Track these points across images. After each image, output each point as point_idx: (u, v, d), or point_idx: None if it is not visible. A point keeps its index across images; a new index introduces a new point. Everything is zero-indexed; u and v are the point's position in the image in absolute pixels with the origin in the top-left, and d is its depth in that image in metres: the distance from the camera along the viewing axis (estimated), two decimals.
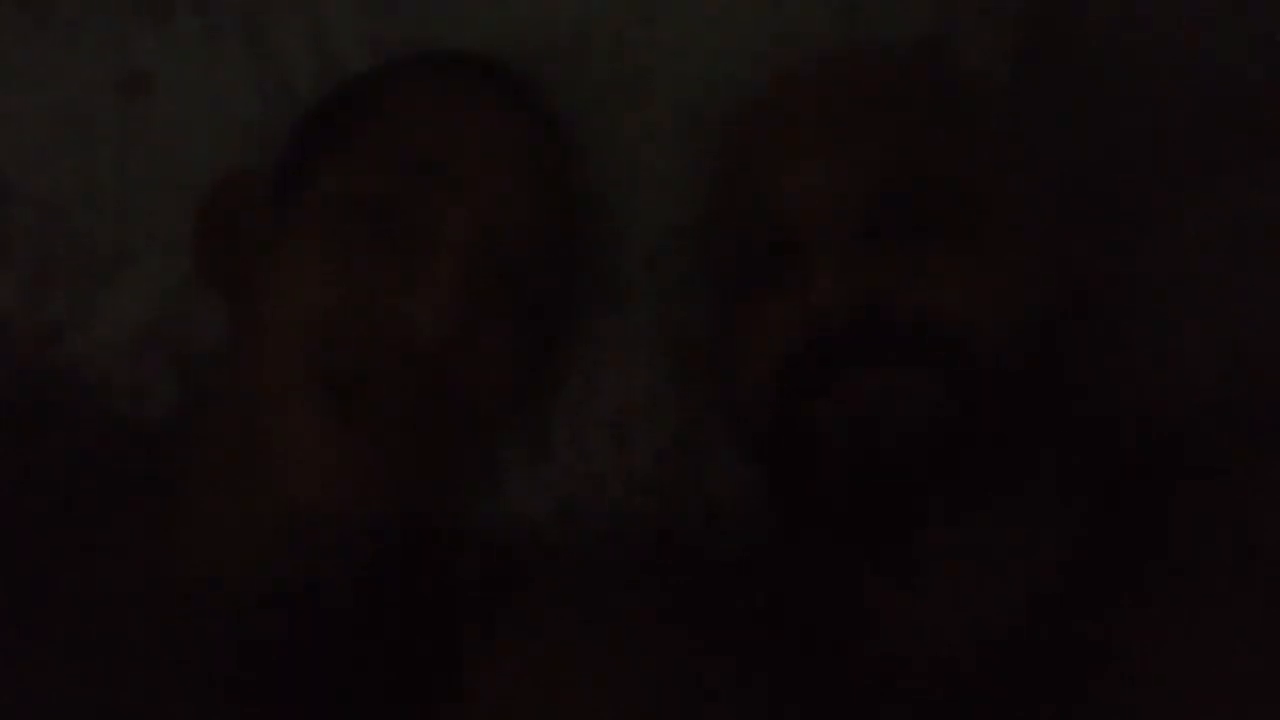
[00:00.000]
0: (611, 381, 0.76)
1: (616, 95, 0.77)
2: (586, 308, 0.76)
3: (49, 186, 0.78)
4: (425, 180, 0.65)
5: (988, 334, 0.57)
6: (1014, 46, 0.74)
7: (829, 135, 0.61)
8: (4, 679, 0.62)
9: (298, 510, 0.63)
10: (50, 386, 0.76)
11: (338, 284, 0.64)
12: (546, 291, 0.69)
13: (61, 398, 0.76)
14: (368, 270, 0.64)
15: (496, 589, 0.70)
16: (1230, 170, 0.72)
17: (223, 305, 0.72)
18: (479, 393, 0.66)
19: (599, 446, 0.76)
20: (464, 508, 0.76)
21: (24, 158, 0.78)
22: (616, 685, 0.62)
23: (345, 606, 0.67)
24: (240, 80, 0.80)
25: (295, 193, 0.68)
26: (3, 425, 0.73)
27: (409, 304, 0.63)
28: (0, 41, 0.79)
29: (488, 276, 0.65)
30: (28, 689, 0.61)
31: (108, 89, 0.79)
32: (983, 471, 0.57)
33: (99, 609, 0.65)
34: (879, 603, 0.61)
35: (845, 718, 0.60)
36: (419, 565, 0.71)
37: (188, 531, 0.66)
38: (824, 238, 0.59)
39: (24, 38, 0.79)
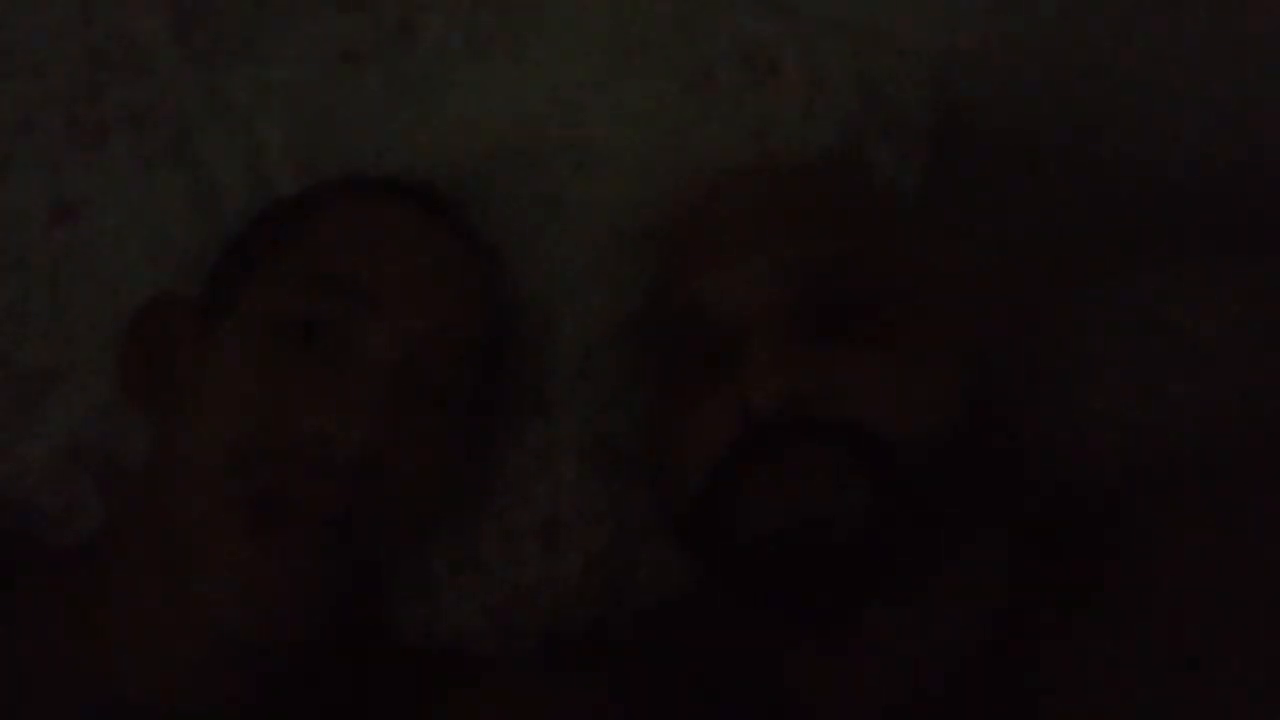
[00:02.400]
0: (540, 490, 0.76)
1: (537, 210, 0.79)
2: (515, 417, 0.77)
3: None
4: (347, 301, 0.66)
5: (911, 433, 0.60)
6: (920, 157, 0.77)
7: (755, 241, 0.65)
8: None
9: (220, 630, 0.64)
10: None
11: (258, 403, 0.65)
12: (472, 404, 0.71)
13: None
14: (289, 389, 0.65)
15: (428, 699, 0.69)
16: (1139, 266, 0.75)
17: (150, 426, 0.72)
18: (405, 503, 0.67)
19: (529, 556, 0.76)
20: (394, 619, 0.76)
21: None
22: None
23: (282, 713, 0.67)
24: (172, 203, 0.81)
25: (221, 312, 0.69)
26: None
27: (328, 423, 0.64)
28: None
29: (409, 393, 0.66)
30: None
31: (40, 214, 0.80)
32: (906, 556, 0.59)
33: None
34: (799, 682, 0.62)
35: None
36: (348, 679, 0.71)
37: (114, 649, 0.66)
38: (753, 338, 0.61)
39: None
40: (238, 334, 0.67)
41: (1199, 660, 0.57)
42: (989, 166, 0.79)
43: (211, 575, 0.63)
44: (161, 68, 0.83)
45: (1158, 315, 0.74)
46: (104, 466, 0.77)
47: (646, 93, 0.81)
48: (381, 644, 0.75)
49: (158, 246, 0.80)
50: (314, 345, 0.66)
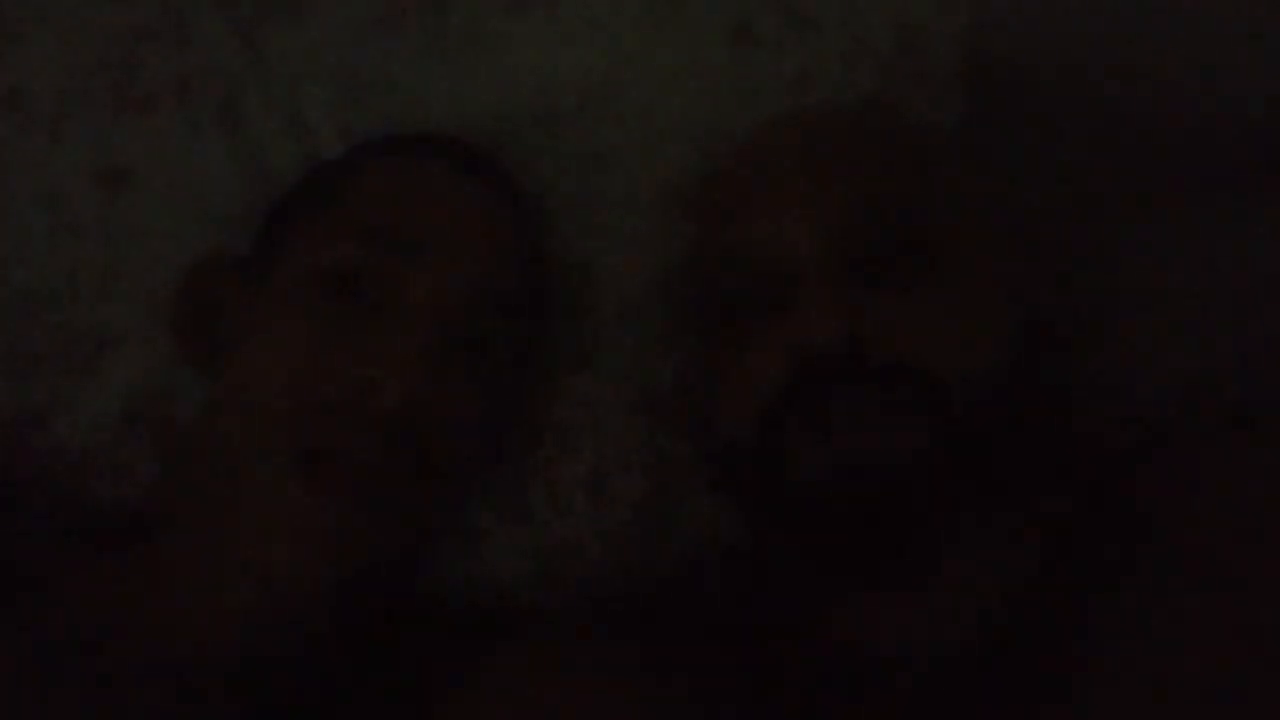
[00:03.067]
0: (585, 442, 0.77)
1: (582, 165, 0.80)
2: (559, 371, 0.78)
3: (32, 275, 0.80)
4: (391, 252, 0.67)
5: (966, 373, 0.59)
6: (956, 103, 0.77)
7: (806, 185, 0.64)
8: None
9: (272, 576, 0.65)
10: (32, 469, 0.77)
11: (306, 354, 0.66)
12: (516, 354, 0.71)
13: (44, 479, 0.77)
14: (336, 340, 0.66)
15: (475, 649, 0.70)
16: (1181, 203, 0.74)
17: (202, 384, 0.74)
18: (449, 454, 0.68)
19: (575, 507, 0.77)
20: (441, 571, 0.77)
21: (7, 248, 0.80)
22: None
23: (322, 670, 0.67)
24: (219, 167, 0.82)
25: (269, 270, 0.70)
26: None
27: (375, 371, 0.64)
28: None
29: (454, 342, 0.67)
30: None
31: (89, 180, 0.81)
32: (961, 499, 0.59)
33: (76, 687, 0.65)
34: (848, 634, 0.62)
35: None
36: (397, 627, 0.72)
37: (165, 602, 0.67)
38: (809, 280, 0.61)
39: (10, 133, 0.82)
40: (283, 289, 0.69)
41: (1227, 622, 0.56)
42: (1024, 111, 0.78)
43: (261, 524, 0.64)
44: (205, 35, 0.84)
45: (1200, 253, 0.74)
46: (158, 425, 0.79)
47: (685, 47, 0.81)
48: (426, 598, 0.76)
49: (206, 209, 0.81)
50: (357, 297, 0.66)
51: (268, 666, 0.67)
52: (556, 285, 0.77)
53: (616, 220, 0.79)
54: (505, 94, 0.81)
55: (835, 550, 0.61)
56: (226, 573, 0.65)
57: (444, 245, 0.68)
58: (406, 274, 0.67)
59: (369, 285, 0.67)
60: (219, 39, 0.84)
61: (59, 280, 0.80)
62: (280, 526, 0.64)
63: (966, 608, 0.61)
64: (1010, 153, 0.77)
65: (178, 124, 0.83)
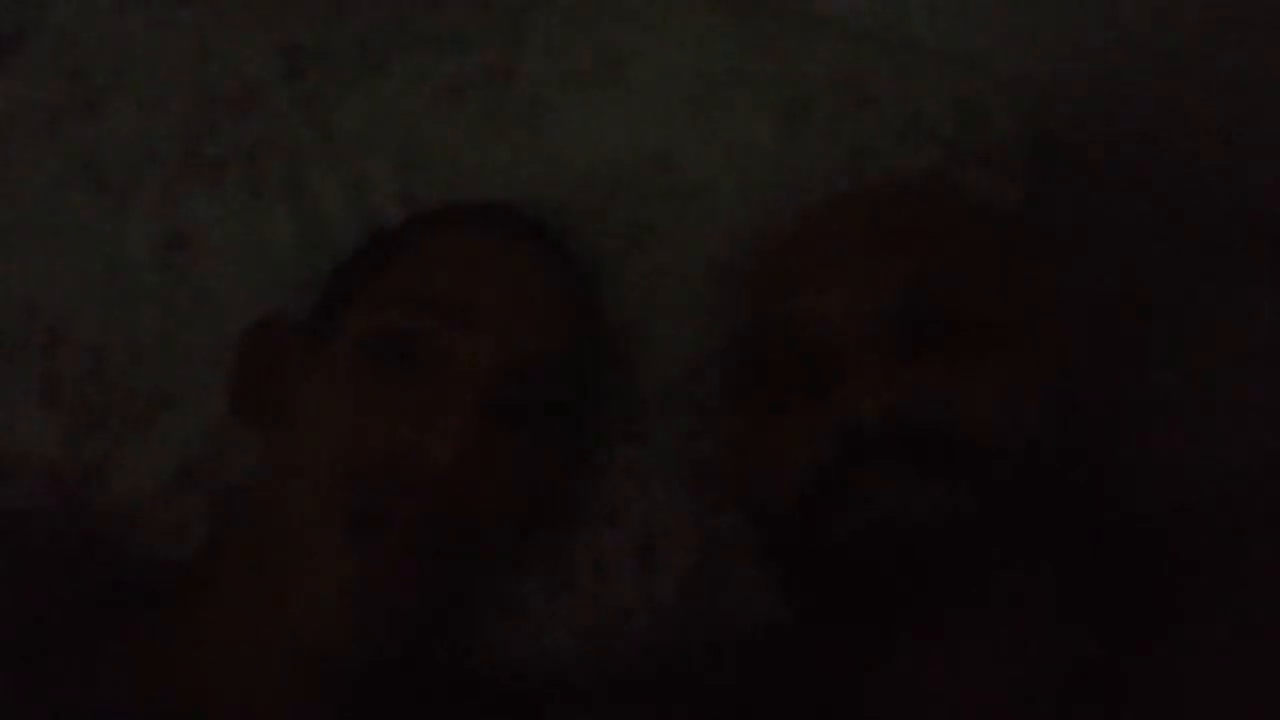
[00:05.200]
0: (634, 511, 0.77)
1: (635, 237, 0.81)
2: (609, 439, 0.78)
3: (94, 334, 0.81)
4: (443, 318, 0.68)
5: (1004, 443, 0.60)
6: (1017, 182, 0.77)
7: (853, 261, 0.66)
8: None
9: (315, 643, 0.65)
10: (92, 525, 0.78)
11: (360, 417, 0.66)
12: (564, 424, 0.72)
13: (100, 536, 0.78)
14: (387, 404, 0.66)
15: (525, 716, 0.70)
16: (1240, 283, 0.74)
17: (257, 445, 0.74)
18: (497, 519, 0.68)
19: (623, 576, 0.76)
20: (489, 639, 0.76)
21: (72, 308, 0.81)
22: None
23: None
24: (282, 233, 0.83)
25: (325, 334, 0.71)
26: (45, 562, 0.74)
27: (425, 436, 0.65)
28: (59, 201, 0.83)
29: (504, 407, 0.67)
30: None
31: (154, 243, 0.83)
32: (995, 571, 0.59)
33: None
34: (880, 706, 0.62)
35: None
36: (444, 695, 0.71)
37: (214, 662, 0.67)
38: (855, 357, 0.62)
39: (80, 198, 0.84)
40: (339, 353, 0.69)
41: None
42: (1085, 191, 0.78)
43: (310, 588, 0.64)
44: (273, 104, 0.87)
45: (1240, 338, 0.73)
46: (213, 485, 0.79)
47: (741, 123, 0.82)
48: (471, 668, 0.75)
49: (267, 275, 0.83)
50: (410, 362, 0.67)
51: None
52: (606, 355, 0.77)
53: (667, 293, 0.80)
54: (562, 166, 0.83)
55: (868, 613, 0.62)
56: (276, 628, 0.66)
57: (496, 312, 0.69)
58: (458, 339, 0.67)
59: (421, 350, 0.67)
60: (286, 108, 0.86)
61: (120, 340, 0.81)
62: (328, 591, 0.64)
63: (1003, 673, 0.60)
64: (1069, 232, 0.77)
65: (243, 191, 0.84)
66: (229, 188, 0.84)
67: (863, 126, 0.79)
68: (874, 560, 0.59)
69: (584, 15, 0.86)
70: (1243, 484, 0.68)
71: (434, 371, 0.67)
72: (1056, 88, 0.80)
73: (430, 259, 0.72)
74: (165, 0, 0.88)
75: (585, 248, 0.79)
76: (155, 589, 0.72)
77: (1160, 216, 0.77)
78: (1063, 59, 0.81)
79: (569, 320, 0.73)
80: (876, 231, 0.67)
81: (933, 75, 0.80)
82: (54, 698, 0.65)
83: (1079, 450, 0.65)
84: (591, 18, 0.86)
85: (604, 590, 0.76)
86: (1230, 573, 0.61)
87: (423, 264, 0.72)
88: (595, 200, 0.82)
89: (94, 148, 0.85)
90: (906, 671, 0.62)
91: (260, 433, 0.74)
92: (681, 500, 0.77)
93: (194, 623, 0.68)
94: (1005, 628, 0.61)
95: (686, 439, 0.78)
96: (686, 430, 0.78)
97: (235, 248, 0.83)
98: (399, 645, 0.66)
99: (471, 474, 0.65)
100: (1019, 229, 0.75)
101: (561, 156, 0.83)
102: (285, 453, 0.69)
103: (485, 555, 0.69)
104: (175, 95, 0.86)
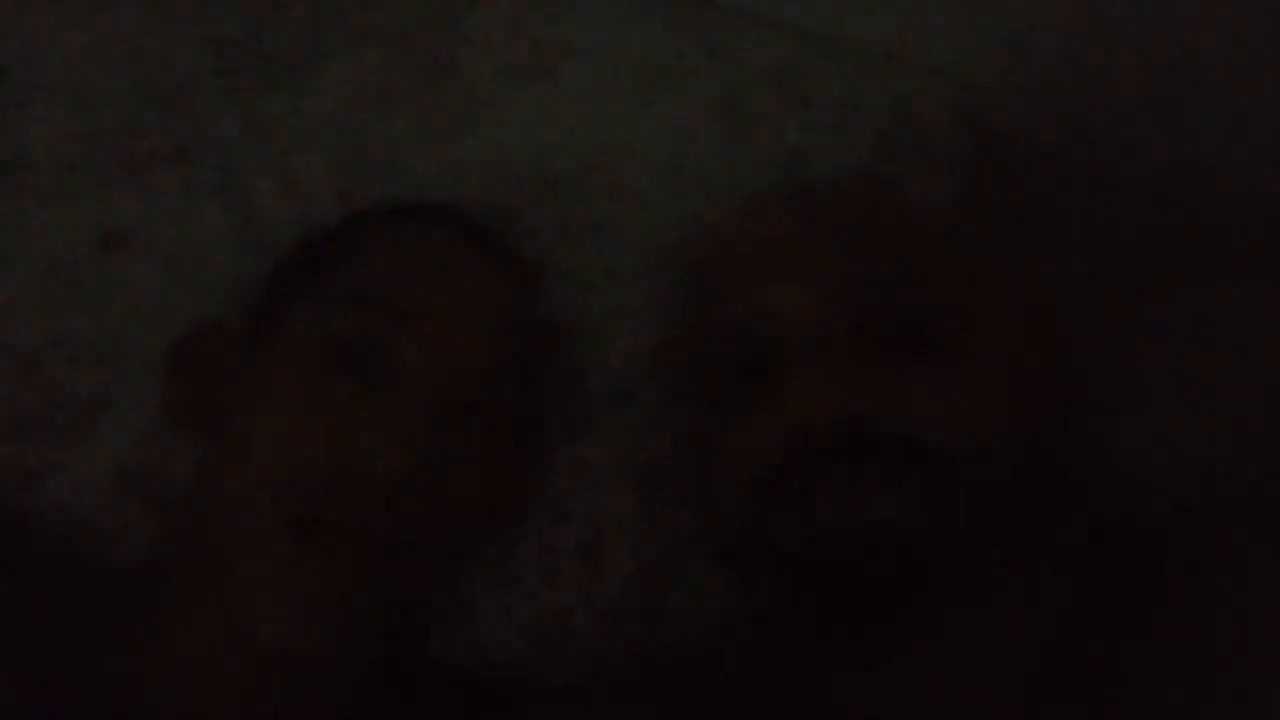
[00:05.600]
0: (580, 511, 0.77)
1: (578, 235, 0.81)
2: (555, 439, 0.78)
3: (28, 337, 0.80)
4: (389, 320, 0.67)
5: (963, 444, 0.60)
6: (951, 178, 0.78)
7: (802, 260, 0.65)
8: None
9: (268, 648, 0.64)
10: (26, 530, 0.77)
11: (303, 421, 0.66)
12: (514, 425, 0.72)
13: (37, 541, 0.77)
14: (333, 408, 0.66)
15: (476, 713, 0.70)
16: (1192, 283, 0.76)
17: (195, 450, 0.74)
18: (447, 522, 0.67)
19: (570, 576, 0.76)
20: (436, 637, 0.76)
21: (5, 311, 0.80)
22: None
23: None
24: (217, 233, 0.82)
25: (264, 337, 0.71)
26: None
27: (373, 438, 0.64)
28: None
29: (452, 409, 0.67)
30: None
31: (86, 244, 0.81)
32: (958, 576, 0.59)
33: None
34: (848, 701, 0.62)
35: None
36: (393, 698, 0.71)
37: (159, 673, 0.66)
38: (805, 355, 0.62)
39: (9, 197, 0.82)
40: (280, 357, 0.69)
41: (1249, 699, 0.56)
42: (1020, 186, 0.79)
43: (258, 596, 0.63)
44: (204, 101, 0.85)
45: (1207, 335, 0.74)
46: (152, 489, 0.78)
47: (678, 120, 0.83)
48: (426, 669, 0.75)
49: (203, 275, 0.82)
50: (355, 365, 0.67)
51: None
52: (554, 354, 0.77)
53: (613, 291, 0.80)
54: (501, 164, 0.82)
55: (821, 615, 0.61)
56: (220, 645, 0.65)
57: (442, 313, 0.68)
58: (404, 342, 0.67)
59: (367, 353, 0.67)
60: (218, 106, 0.85)
61: (53, 342, 0.80)
62: (276, 597, 0.63)
63: (970, 672, 0.61)
64: (1012, 227, 0.78)
65: (176, 189, 0.83)
66: (161, 187, 0.83)
67: (799, 124, 0.80)
68: (824, 563, 0.59)
69: (521, 12, 0.86)
70: (1214, 481, 0.70)
71: (381, 375, 0.66)
72: (995, 84, 0.81)
73: (374, 259, 0.71)
74: None
75: (526, 245, 0.79)
76: (94, 601, 0.71)
77: (1106, 210, 0.78)
78: (1001, 56, 0.82)
79: (515, 320, 0.73)
80: (819, 229, 0.67)
81: (870, 74, 0.81)
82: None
83: (1049, 449, 0.65)
84: (529, 14, 0.86)
85: (551, 589, 0.76)
86: (1214, 571, 0.61)
87: (366, 264, 0.71)
88: (535, 198, 0.82)
89: (22, 146, 0.83)
90: (876, 672, 0.62)
91: (198, 438, 0.73)
92: (630, 499, 0.77)
93: (141, 629, 0.67)
94: (986, 628, 0.61)
95: (635, 438, 0.78)
96: (635, 429, 0.78)
97: (170, 247, 0.82)
98: (351, 651, 0.66)
99: (421, 479, 0.64)
100: (962, 227, 0.76)
101: (500, 154, 0.83)
102: (227, 460, 0.68)
103: (439, 560, 0.69)
104: (104, 93, 0.84)
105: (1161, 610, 0.61)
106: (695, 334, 0.69)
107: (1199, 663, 0.58)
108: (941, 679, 0.61)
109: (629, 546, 0.77)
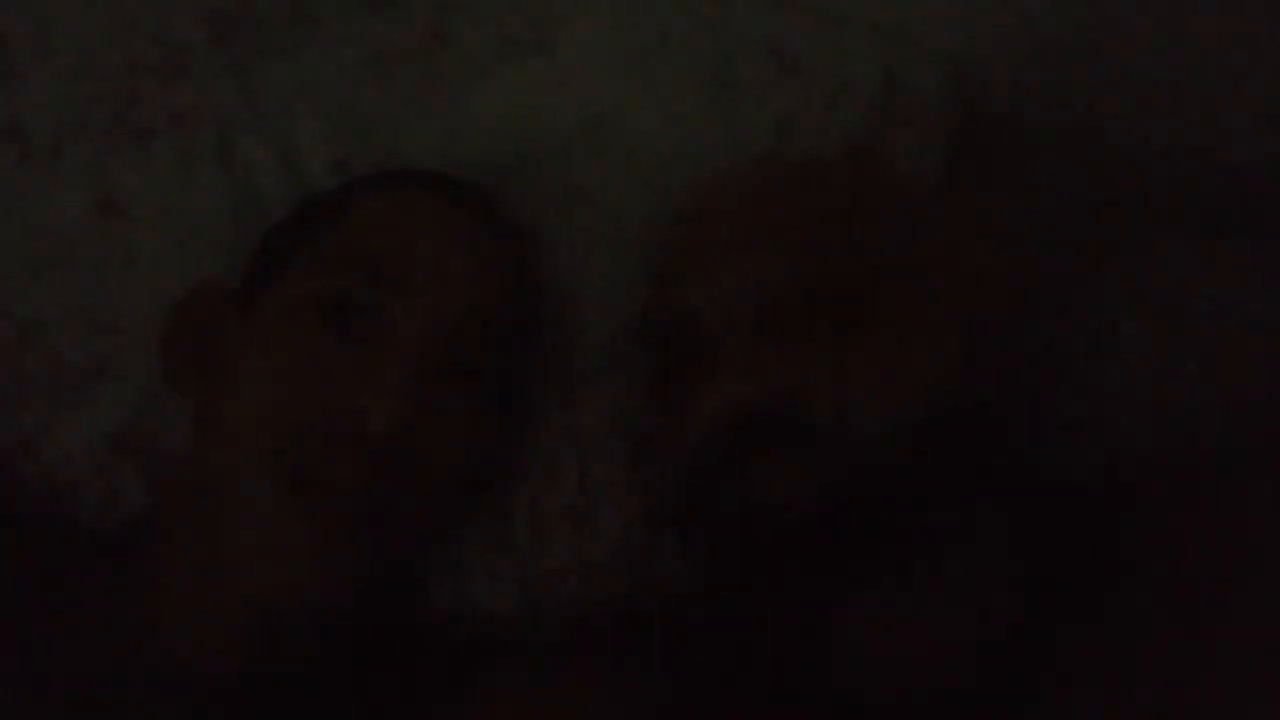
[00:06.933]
0: (569, 474, 0.78)
1: (568, 202, 0.82)
2: (544, 402, 0.79)
3: (26, 304, 0.81)
4: (379, 283, 0.69)
5: (862, 430, 0.62)
6: (939, 148, 0.79)
7: (738, 251, 0.67)
8: None
9: (261, 601, 0.66)
10: (21, 496, 0.78)
11: (294, 381, 0.67)
12: (502, 386, 0.73)
13: (32, 507, 0.78)
14: (323, 367, 0.67)
15: (459, 679, 0.71)
16: (1160, 246, 0.76)
17: (191, 414, 0.74)
18: (435, 481, 0.69)
19: (557, 538, 0.77)
20: (425, 601, 0.77)
21: (3, 278, 0.81)
22: None
23: (312, 692, 0.68)
24: (213, 200, 0.83)
25: (258, 299, 0.72)
26: None
27: (362, 399, 0.66)
28: None
29: (439, 373, 0.68)
30: None
31: (83, 211, 0.82)
32: (873, 551, 0.61)
33: (67, 710, 0.66)
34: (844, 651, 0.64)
35: None
36: (383, 656, 0.72)
37: (156, 628, 0.68)
38: (726, 343, 0.65)
39: (7, 166, 0.83)
40: (273, 318, 0.70)
41: (1209, 657, 0.57)
42: (1008, 156, 0.80)
43: (249, 550, 0.65)
44: (200, 71, 0.86)
45: (1177, 296, 0.75)
46: (147, 454, 0.79)
47: (670, 89, 0.83)
48: (412, 625, 0.77)
49: (199, 242, 0.83)
50: (347, 327, 0.68)
51: (258, 688, 0.68)
52: (542, 318, 0.78)
53: (601, 257, 0.80)
54: (494, 132, 0.83)
55: (751, 584, 0.64)
56: (216, 596, 0.67)
57: (431, 276, 0.69)
58: (394, 304, 0.68)
59: (357, 315, 0.68)
60: (214, 74, 0.86)
61: (51, 309, 0.81)
62: (268, 550, 0.65)
63: (939, 636, 0.62)
64: (989, 201, 0.79)
65: (172, 157, 0.84)
66: (158, 155, 0.84)
67: (790, 95, 0.81)
68: (750, 537, 0.62)
69: None
70: (1192, 434, 0.71)
71: (370, 335, 0.67)
72: (985, 55, 0.82)
73: (365, 223, 0.72)
74: None
75: (518, 213, 0.80)
76: (89, 564, 0.72)
77: (1082, 177, 0.79)
78: (990, 26, 0.83)
79: (504, 284, 0.73)
80: (772, 211, 0.68)
81: (860, 45, 0.81)
82: (24, 685, 0.65)
83: (998, 417, 0.66)
84: None
85: (540, 550, 0.77)
86: (1167, 528, 0.62)
87: (358, 228, 0.72)
88: (528, 166, 0.82)
89: (19, 115, 0.84)
90: (808, 637, 0.64)
91: (194, 400, 0.74)
92: (617, 462, 0.78)
93: (142, 584, 0.69)
94: (949, 586, 0.63)
95: (623, 400, 0.79)
96: (623, 391, 0.79)
97: (165, 215, 0.83)
98: (339, 603, 0.67)
99: (408, 437, 0.66)
100: (937, 199, 0.77)
101: (494, 123, 0.83)
102: (221, 418, 0.69)
103: (425, 517, 0.70)
104: (100, 62, 0.85)
105: (1117, 580, 0.62)
106: (650, 313, 0.71)
107: (1149, 619, 0.60)
108: (872, 645, 0.63)
109: (616, 510, 0.78)
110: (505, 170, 0.82)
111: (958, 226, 0.72)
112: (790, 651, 0.65)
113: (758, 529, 0.61)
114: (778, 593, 0.63)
